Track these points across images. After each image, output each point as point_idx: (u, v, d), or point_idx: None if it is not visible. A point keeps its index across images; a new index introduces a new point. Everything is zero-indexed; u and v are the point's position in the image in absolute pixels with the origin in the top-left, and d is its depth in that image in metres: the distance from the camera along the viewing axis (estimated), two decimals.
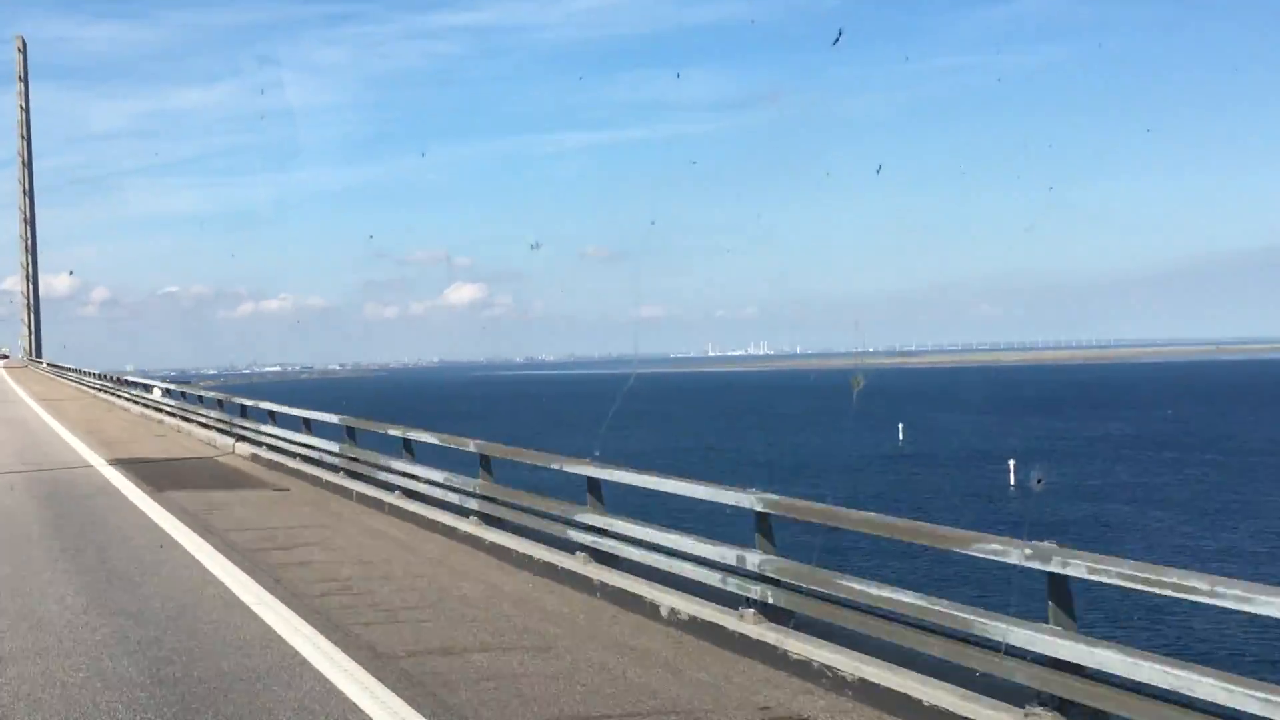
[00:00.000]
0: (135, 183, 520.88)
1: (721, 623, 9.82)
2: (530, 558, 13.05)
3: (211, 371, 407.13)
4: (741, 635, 9.59)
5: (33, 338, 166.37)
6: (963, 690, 7.68)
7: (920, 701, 7.82)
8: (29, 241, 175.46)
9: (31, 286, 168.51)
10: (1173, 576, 6.44)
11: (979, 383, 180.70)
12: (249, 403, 26.98)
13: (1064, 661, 7.01)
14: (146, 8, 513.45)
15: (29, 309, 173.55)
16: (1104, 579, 6.84)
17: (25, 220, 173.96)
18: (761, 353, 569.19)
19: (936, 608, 7.86)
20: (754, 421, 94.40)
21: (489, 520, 14.41)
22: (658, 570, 10.97)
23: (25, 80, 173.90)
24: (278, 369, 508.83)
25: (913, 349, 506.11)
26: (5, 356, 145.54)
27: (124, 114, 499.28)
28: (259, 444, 24.67)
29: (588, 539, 12.21)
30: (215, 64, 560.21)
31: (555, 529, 12.92)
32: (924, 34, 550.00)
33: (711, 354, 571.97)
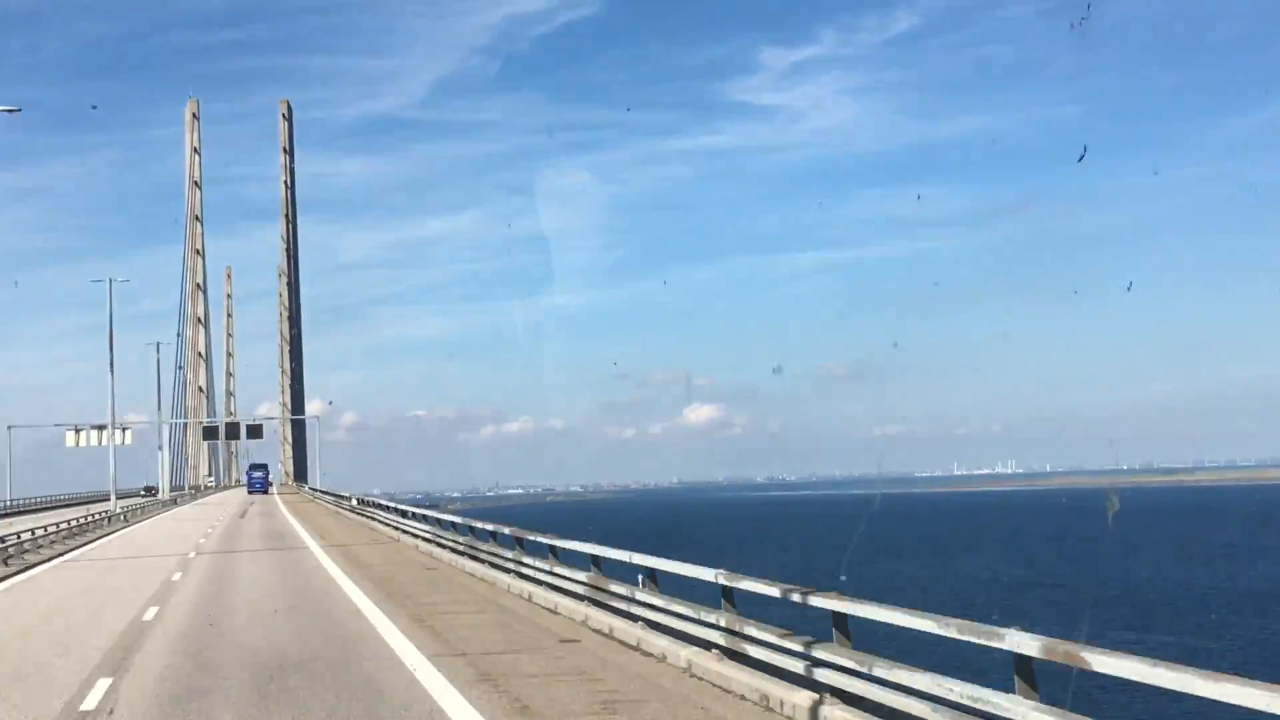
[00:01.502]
0: (382, 311, 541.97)
1: None
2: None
3: (456, 494, 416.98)
4: None
5: (293, 460, 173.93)
6: None
7: None
8: (288, 365, 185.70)
9: (286, 409, 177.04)
10: None
11: (1246, 502, 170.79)
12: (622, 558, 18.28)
13: None
14: (393, 143, 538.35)
15: (283, 437, 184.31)
16: None
17: (285, 340, 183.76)
18: (1010, 471, 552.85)
19: None
20: (1031, 545, 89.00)
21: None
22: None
23: (290, 152, 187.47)
24: (520, 490, 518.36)
25: (1170, 466, 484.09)
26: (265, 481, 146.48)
27: (372, 244, 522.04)
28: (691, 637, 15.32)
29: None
30: (458, 194, 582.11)
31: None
32: (1173, 144, 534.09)
33: (958, 472, 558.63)
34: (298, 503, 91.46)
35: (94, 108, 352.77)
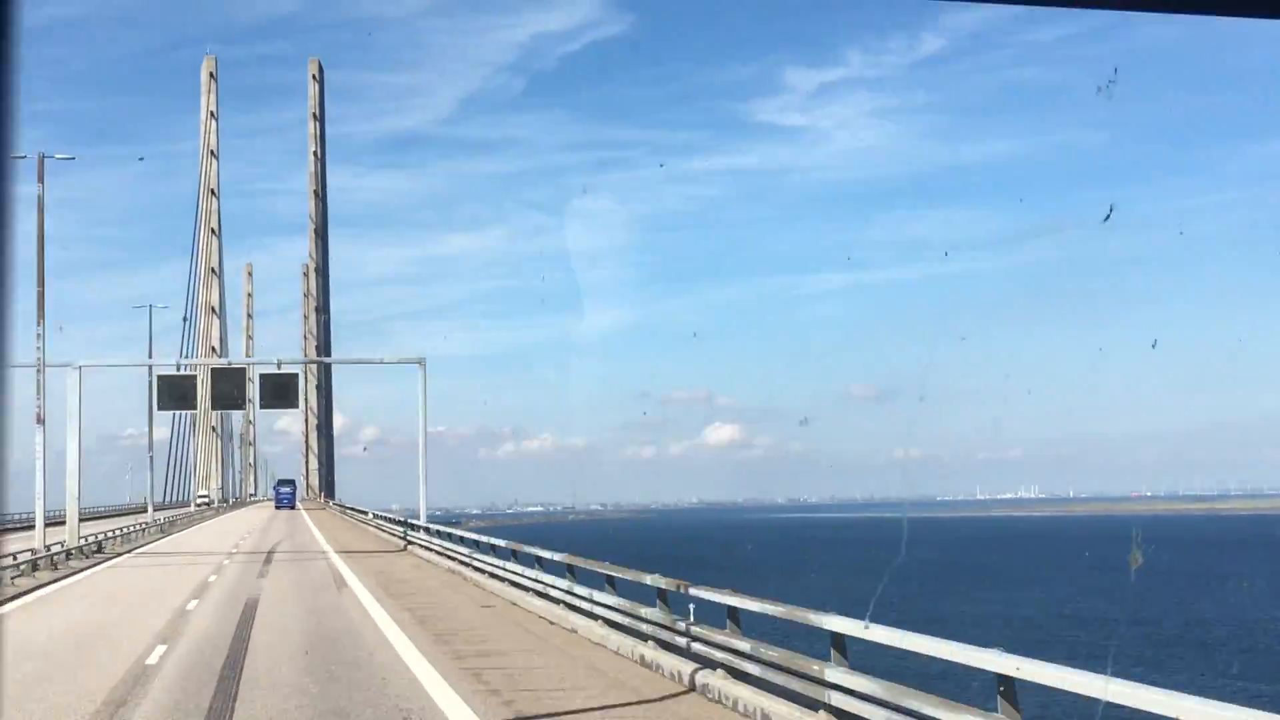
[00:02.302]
0: (404, 327, 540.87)
1: None
2: None
3: (475, 511, 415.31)
4: None
5: (321, 473, 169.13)
6: None
7: None
8: (320, 380, 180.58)
9: (322, 425, 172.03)
10: None
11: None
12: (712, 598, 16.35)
13: None
14: (418, 159, 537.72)
15: (306, 448, 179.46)
16: None
17: (313, 334, 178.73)
18: (1033, 496, 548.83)
19: None
20: (1091, 576, 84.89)
21: None
22: None
23: (321, 119, 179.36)
24: (539, 508, 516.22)
25: (1197, 493, 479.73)
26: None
27: (396, 260, 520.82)
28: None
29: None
30: (483, 211, 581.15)
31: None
32: (1203, 169, 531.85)
33: (980, 497, 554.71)
34: (335, 526, 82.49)
35: (140, 159, 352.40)
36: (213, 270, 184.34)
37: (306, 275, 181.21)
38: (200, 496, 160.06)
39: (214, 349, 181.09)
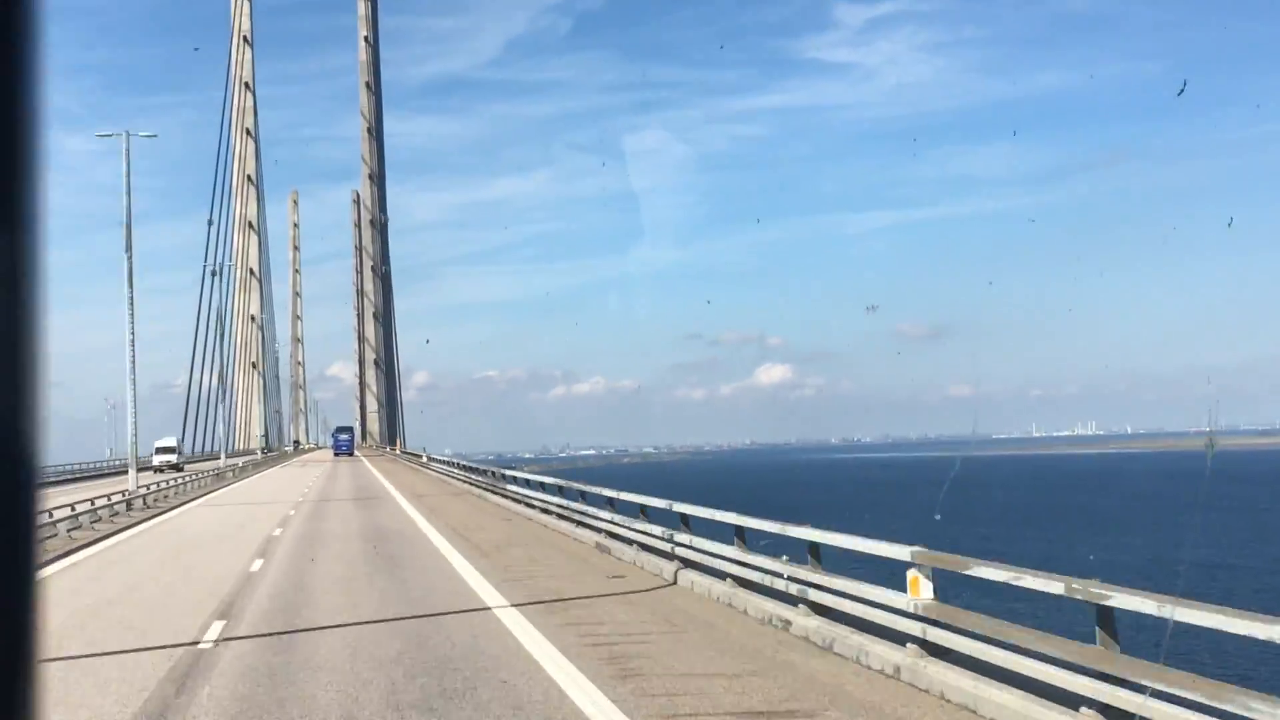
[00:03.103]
0: (452, 271, 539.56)
1: None
2: None
3: (528, 455, 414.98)
4: None
5: (384, 415, 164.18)
6: None
7: None
8: (364, 330, 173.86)
9: (383, 361, 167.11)
10: None
11: None
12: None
13: None
14: (464, 102, 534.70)
15: (362, 387, 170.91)
16: None
17: (373, 279, 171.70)
18: (1090, 433, 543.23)
19: None
20: (1183, 516, 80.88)
21: None
22: None
23: (375, 43, 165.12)
24: (592, 451, 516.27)
25: (1240, 429, 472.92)
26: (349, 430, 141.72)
27: (443, 205, 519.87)
28: None
29: None
30: (529, 154, 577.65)
31: None
32: (1264, 97, 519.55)
33: (1036, 434, 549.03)
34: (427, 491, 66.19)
35: (195, 49, 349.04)
36: (250, 225, 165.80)
37: (356, 203, 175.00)
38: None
39: (253, 317, 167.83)
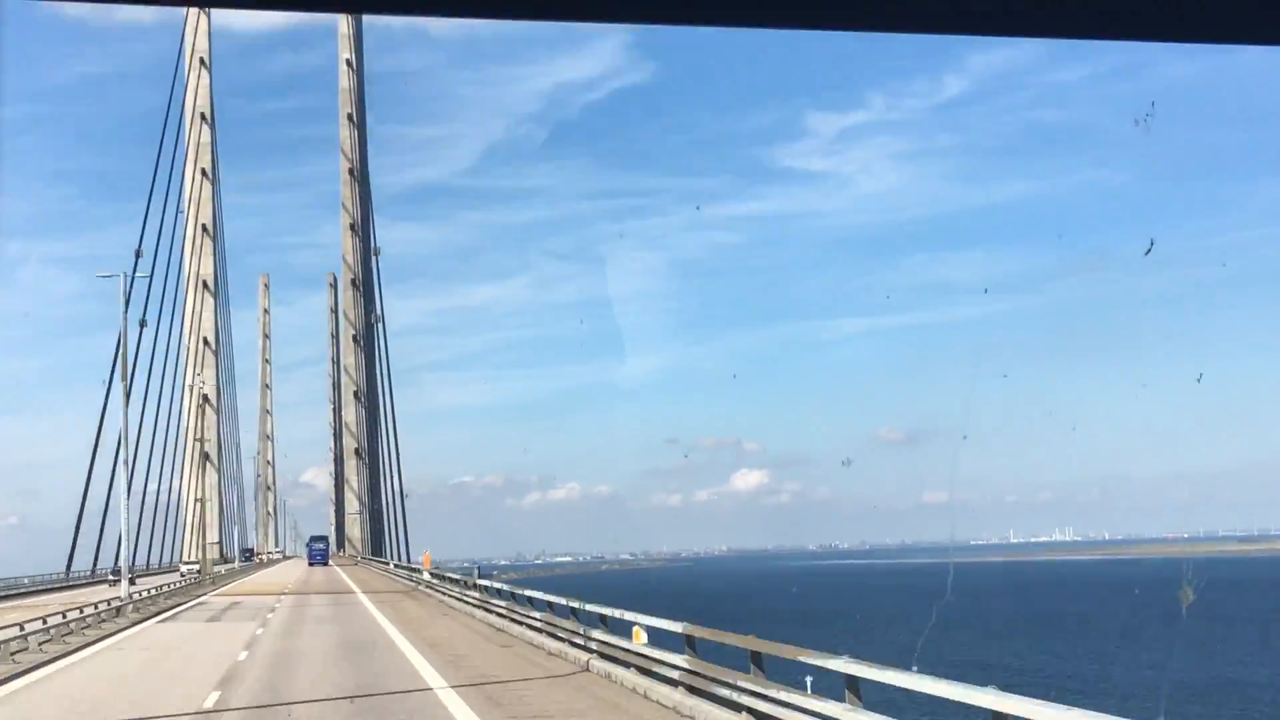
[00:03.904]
0: (429, 378, 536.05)
1: None
2: None
3: (504, 561, 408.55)
4: None
5: (371, 529, 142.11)
6: None
7: None
8: (341, 408, 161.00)
9: (373, 461, 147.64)
10: None
11: None
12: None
13: None
14: (442, 210, 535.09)
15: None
16: None
17: (352, 375, 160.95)
18: (1068, 539, 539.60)
19: None
20: (1202, 631, 76.46)
21: None
22: None
23: (360, 124, 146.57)
24: (568, 558, 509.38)
25: (1220, 534, 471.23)
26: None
27: (420, 311, 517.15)
28: None
29: None
30: (506, 261, 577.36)
31: None
32: (1232, 206, 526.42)
33: (1014, 540, 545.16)
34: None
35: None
36: (205, 228, 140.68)
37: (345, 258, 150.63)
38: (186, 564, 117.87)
39: (206, 340, 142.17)
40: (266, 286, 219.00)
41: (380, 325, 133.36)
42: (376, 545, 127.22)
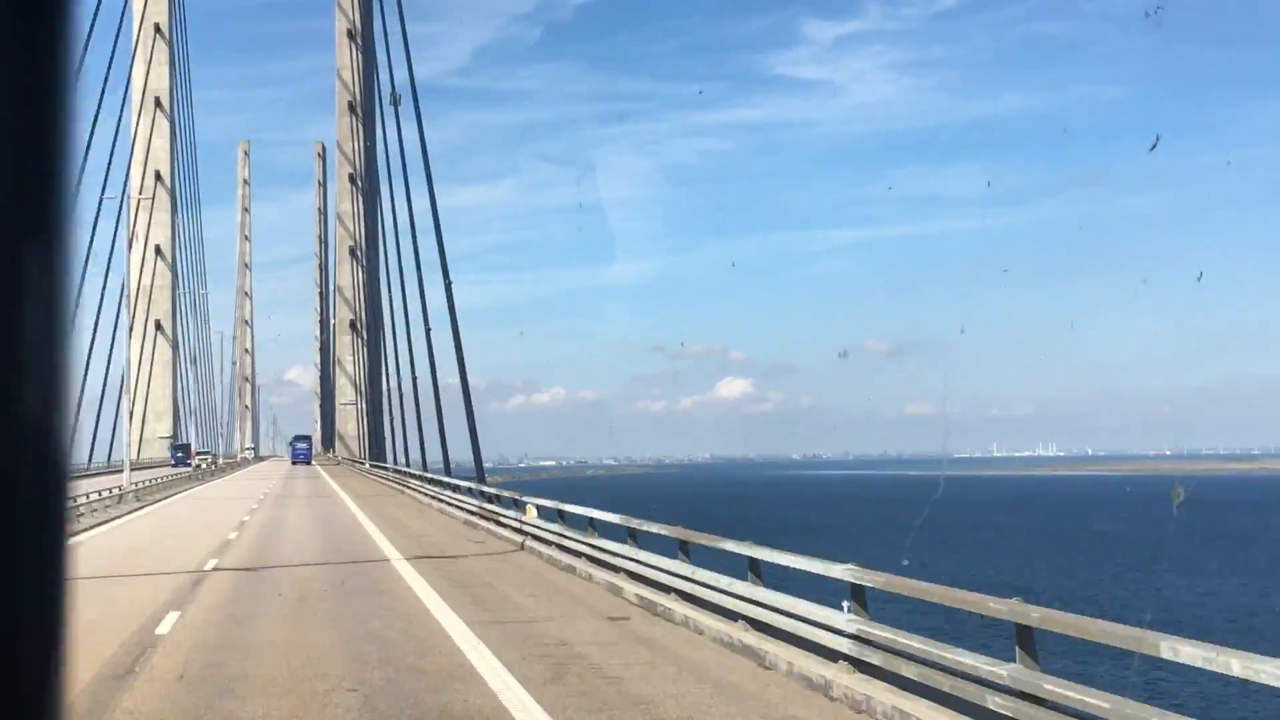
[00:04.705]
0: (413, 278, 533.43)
1: None
2: None
3: (487, 465, 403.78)
4: None
5: (369, 430, 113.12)
6: None
7: None
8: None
9: (375, 338, 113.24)
10: None
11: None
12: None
13: None
14: (431, 110, 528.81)
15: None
16: None
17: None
18: (1051, 454, 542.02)
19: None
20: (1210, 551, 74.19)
21: None
22: None
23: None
24: (551, 463, 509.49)
25: (1203, 452, 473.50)
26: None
27: (404, 211, 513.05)
28: None
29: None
30: (494, 163, 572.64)
31: None
32: (1227, 125, 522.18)
33: (997, 454, 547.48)
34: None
35: None
36: (158, 101, 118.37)
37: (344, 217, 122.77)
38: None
39: (159, 175, 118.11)
40: (246, 154, 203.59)
41: (397, 117, 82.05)
42: (378, 446, 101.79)
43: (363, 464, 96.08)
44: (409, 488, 56.60)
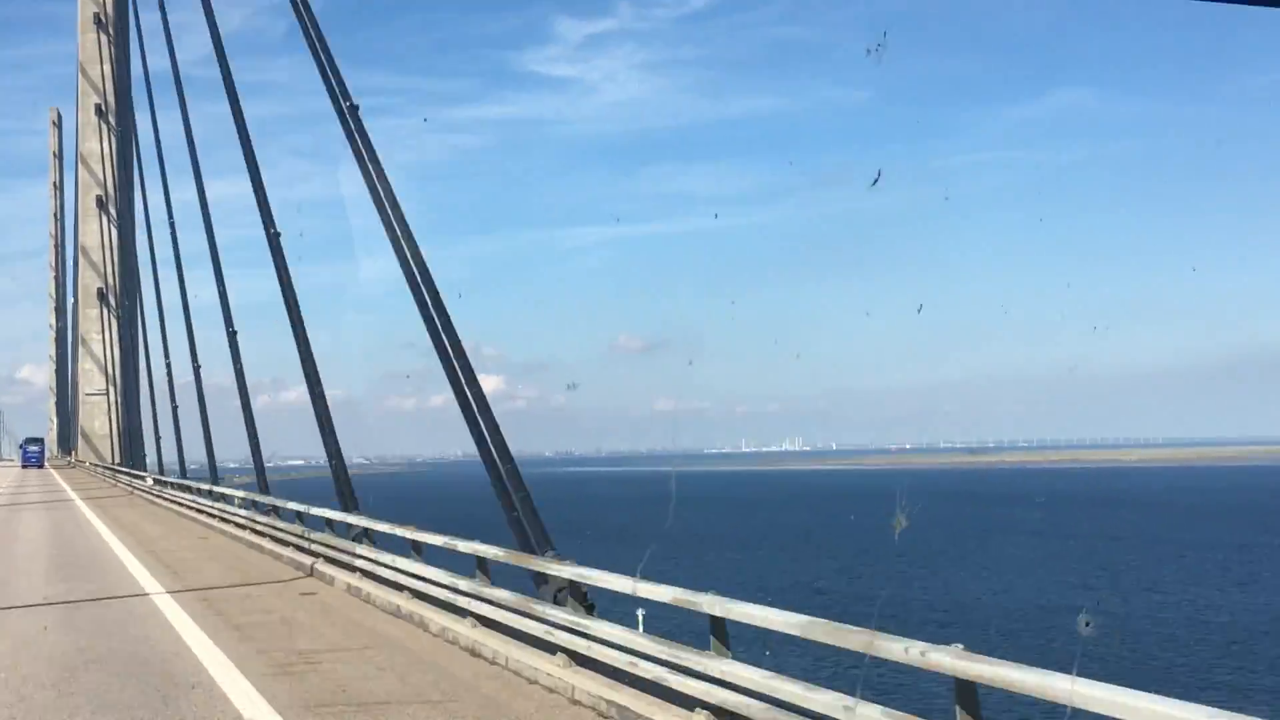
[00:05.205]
0: (159, 274, 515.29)
1: None
2: None
3: (233, 465, 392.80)
4: None
5: (122, 427, 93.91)
6: None
7: None
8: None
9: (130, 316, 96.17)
10: None
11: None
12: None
13: None
14: (174, 99, 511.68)
15: (82, 352, 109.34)
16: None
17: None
18: (797, 449, 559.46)
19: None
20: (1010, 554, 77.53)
21: None
22: None
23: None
24: (301, 462, 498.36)
25: (941, 445, 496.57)
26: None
27: (151, 205, 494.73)
28: None
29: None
30: (239, 156, 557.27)
31: None
32: (961, 129, 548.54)
33: (746, 449, 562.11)
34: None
35: None
36: None
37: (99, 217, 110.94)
38: None
39: None
40: None
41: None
42: (132, 448, 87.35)
43: (115, 471, 77.22)
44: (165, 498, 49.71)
